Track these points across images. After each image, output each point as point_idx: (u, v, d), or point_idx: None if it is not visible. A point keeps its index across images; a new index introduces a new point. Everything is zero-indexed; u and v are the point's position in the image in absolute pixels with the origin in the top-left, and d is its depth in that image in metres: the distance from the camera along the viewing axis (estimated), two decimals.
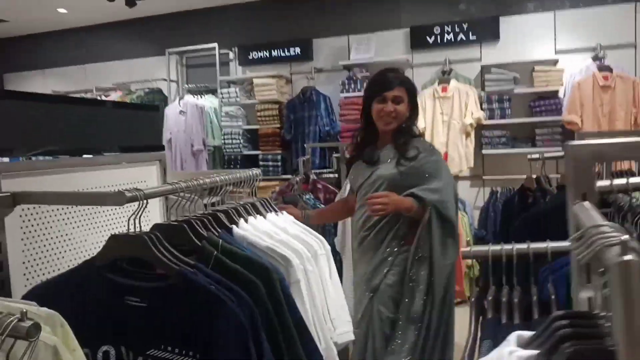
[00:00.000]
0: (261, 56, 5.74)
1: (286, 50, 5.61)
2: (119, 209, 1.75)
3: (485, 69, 4.89)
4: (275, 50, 5.65)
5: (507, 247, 1.10)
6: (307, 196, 3.25)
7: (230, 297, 1.13)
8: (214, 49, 5.81)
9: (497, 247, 1.11)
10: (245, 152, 5.66)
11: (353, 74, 5.13)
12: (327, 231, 3.11)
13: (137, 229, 1.18)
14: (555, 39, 4.80)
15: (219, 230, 1.45)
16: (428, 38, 5.13)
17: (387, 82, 2.10)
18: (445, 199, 2.00)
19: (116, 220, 1.79)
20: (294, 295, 1.38)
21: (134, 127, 2.66)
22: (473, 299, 1.12)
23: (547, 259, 1.11)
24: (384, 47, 5.27)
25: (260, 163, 5.49)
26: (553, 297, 1.04)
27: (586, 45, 4.65)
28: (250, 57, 5.81)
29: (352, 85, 5.12)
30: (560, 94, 4.66)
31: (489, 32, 4.97)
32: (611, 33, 4.59)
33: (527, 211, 2.33)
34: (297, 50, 5.58)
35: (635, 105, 4.32)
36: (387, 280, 2.04)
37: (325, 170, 4.03)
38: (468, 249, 1.13)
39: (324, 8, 5.58)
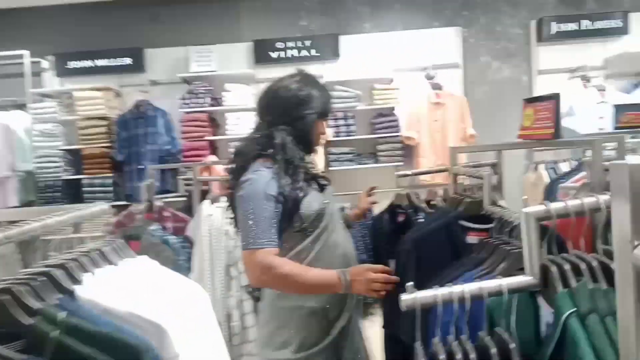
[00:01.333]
0: (84, 66, 5.00)
1: (114, 60, 4.97)
2: None
3: (328, 86, 4.88)
4: (101, 60, 4.97)
5: (457, 289, 0.91)
6: (153, 227, 2.80)
7: None
8: (22, 56, 4.90)
9: (445, 291, 0.91)
10: (66, 176, 4.84)
11: (194, 88, 4.73)
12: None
13: None
14: (390, 59, 5.01)
15: (57, 295, 1.03)
16: (271, 53, 4.98)
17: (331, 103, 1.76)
18: None
19: None
20: None
21: None
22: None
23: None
24: (226, 60, 4.98)
25: (85, 189, 4.75)
26: (512, 346, 0.88)
27: (419, 65, 4.93)
28: (70, 67, 5.03)
29: (194, 100, 4.72)
30: (396, 112, 4.86)
31: (329, 50, 5.00)
32: (440, 54, 4.95)
33: (400, 230, 2.25)
34: (128, 60, 4.98)
35: (463, 120, 4.69)
36: None
37: (170, 195, 3.57)
38: (411, 296, 0.92)
39: (158, 15, 5.09)
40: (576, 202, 0.95)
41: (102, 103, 4.73)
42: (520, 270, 1.41)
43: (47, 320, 0.92)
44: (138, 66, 5.02)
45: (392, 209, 2.39)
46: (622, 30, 4.81)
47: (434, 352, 0.93)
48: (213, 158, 4.27)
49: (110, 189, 4.76)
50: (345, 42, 5.02)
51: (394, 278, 1.49)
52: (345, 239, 1.71)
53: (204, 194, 3.08)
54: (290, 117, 1.62)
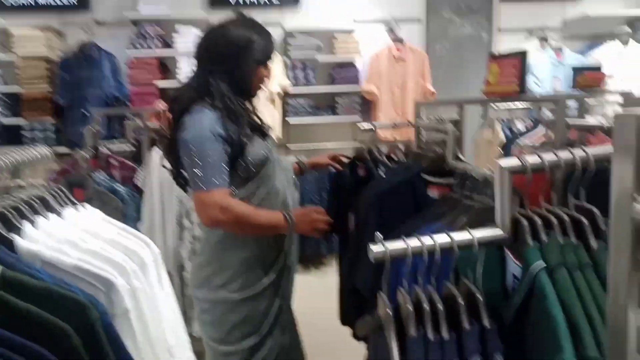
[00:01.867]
0: (23, 2, 4.58)
1: None
2: None
3: (288, 34, 4.72)
4: None
5: (428, 241, 0.88)
6: (100, 175, 2.65)
7: None
8: None
9: (416, 242, 0.88)
10: (4, 120, 4.51)
11: (144, 30, 4.44)
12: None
13: None
14: (351, 9, 4.86)
15: None
16: None
17: (274, 47, 1.70)
18: None
19: None
20: (122, 334, 0.95)
21: None
22: (388, 310, 0.86)
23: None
24: (179, 2, 4.69)
25: (25, 133, 4.45)
26: (479, 297, 0.86)
27: (380, 17, 4.81)
28: (7, 3, 4.60)
29: (143, 43, 4.44)
30: (358, 64, 4.76)
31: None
32: (402, 7, 4.84)
33: (361, 184, 2.21)
34: None
35: (423, 77, 4.65)
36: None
37: (117, 142, 3.38)
38: (381, 248, 0.87)
39: None
40: (552, 155, 0.92)
41: (43, 43, 4.36)
42: (483, 224, 1.42)
43: None
44: (82, 4, 4.65)
45: (353, 163, 2.34)
46: None
47: (400, 301, 0.90)
48: (162, 104, 4.06)
49: (52, 134, 4.48)
50: None
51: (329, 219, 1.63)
52: (289, 186, 1.72)
53: (153, 142, 2.93)
54: (228, 64, 1.57)
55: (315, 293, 2.88)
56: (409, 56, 4.63)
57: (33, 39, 4.38)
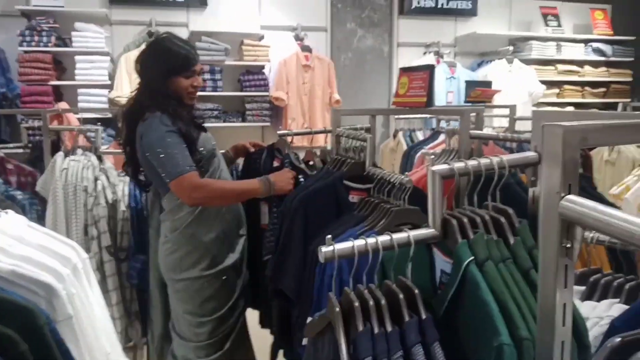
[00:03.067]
0: None
1: None
2: None
3: (194, 36, 4.64)
4: None
5: (371, 241, 0.95)
6: None
7: None
8: None
9: (361, 242, 0.94)
10: None
11: (36, 24, 4.12)
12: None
13: None
14: (260, 14, 4.90)
15: None
16: None
17: (192, 54, 1.88)
18: None
19: None
20: (65, 340, 0.92)
21: None
22: (337, 309, 0.92)
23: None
24: None
25: None
26: (416, 291, 0.95)
27: (287, 24, 4.91)
28: None
29: (36, 38, 4.12)
30: (266, 70, 4.80)
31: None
32: (309, 15, 4.97)
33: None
34: None
35: (330, 85, 4.81)
36: None
37: (11, 146, 3.12)
38: (330, 248, 0.93)
39: None
40: (474, 162, 1.04)
41: None
42: (399, 226, 1.54)
43: None
44: None
45: (271, 151, 2.36)
46: (472, 12, 5.31)
47: (346, 301, 0.96)
48: (64, 105, 3.81)
49: None
50: None
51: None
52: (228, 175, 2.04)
53: (55, 145, 2.75)
54: (155, 76, 1.83)
55: None
56: (317, 64, 4.76)
57: None
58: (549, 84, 5.41)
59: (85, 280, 1.18)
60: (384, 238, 0.98)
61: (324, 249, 0.94)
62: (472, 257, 0.94)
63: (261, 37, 4.82)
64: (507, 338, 0.79)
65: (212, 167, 1.89)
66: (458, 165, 1.02)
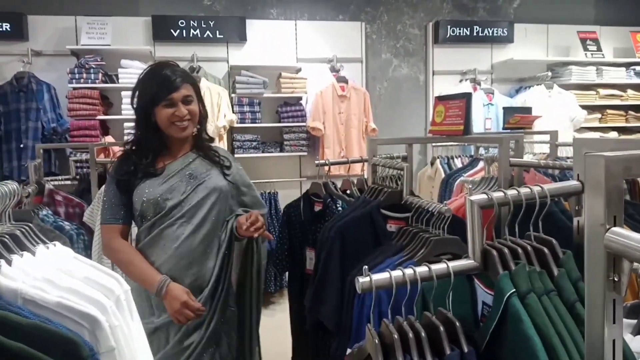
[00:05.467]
0: None
1: None
2: None
3: (234, 70, 4.78)
4: None
5: (409, 271, 0.94)
6: (44, 212, 2.55)
7: None
8: None
9: (399, 273, 0.94)
10: None
11: (85, 62, 4.35)
12: None
13: None
14: (296, 48, 5.02)
15: None
16: (172, 31, 4.74)
17: (169, 81, 1.71)
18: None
19: None
20: None
21: None
22: (376, 341, 0.92)
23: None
24: (121, 34, 4.65)
25: None
26: (457, 323, 0.93)
27: (323, 56, 5.00)
28: None
29: (84, 75, 4.34)
30: (303, 101, 4.89)
31: (235, 32, 4.87)
32: (345, 47, 5.06)
33: (319, 218, 2.27)
34: (6, 26, 4.44)
35: (365, 114, 4.85)
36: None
37: (59, 178, 3.26)
38: (367, 279, 0.92)
39: None
40: (513, 192, 1.02)
41: None
42: (439, 256, 1.51)
43: None
44: (18, 34, 4.49)
45: (308, 198, 2.40)
46: (508, 39, 5.28)
47: (385, 333, 0.95)
48: (110, 139, 3.97)
49: None
50: (251, 26, 4.93)
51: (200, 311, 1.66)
52: (199, 238, 1.73)
53: (100, 178, 2.86)
54: (136, 111, 1.77)
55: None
56: (352, 94, 4.82)
57: None
58: (591, 108, 5.28)
59: (127, 312, 1.20)
60: (422, 269, 0.97)
61: (361, 279, 0.93)
62: (513, 290, 0.92)
63: (298, 70, 4.92)
64: None
65: (153, 220, 1.70)
66: (497, 195, 1.01)
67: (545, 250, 0.99)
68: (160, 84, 1.71)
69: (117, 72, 4.48)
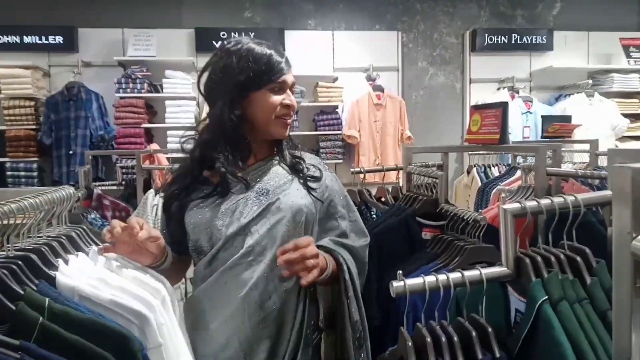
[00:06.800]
0: (8, 41, 4.64)
1: (44, 38, 4.65)
2: None
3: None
4: (29, 37, 4.64)
5: (442, 277, 0.97)
6: (93, 215, 2.68)
7: None
8: None
9: (432, 278, 0.97)
10: None
11: (131, 72, 4.54)
12: None
13: None
14: (333, 57, 5.09)
15: (35, 280, 0.99)
16: (214, 42, 4.89)
17: (278, 60, 1.25)
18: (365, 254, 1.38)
19: None
20: None
21: None
22: (409, 344, 0.95)
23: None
24: (166, 46, 4.83)
25: (8, 173, 4.42)
26: (490, 329, 0.95)
27: (360, 66, 5.05)
28: None
29: (130, 85, 4.53)
30: (338, 110, 4.94)
31: (275, 44, 4.97)
32: (381, 56, 5.10)
33: None
34: (59, 38, 4.69)
35: (401, 122, 4.86)
36: None
37: (107, 183, 3.42)
38: (401, 283, 0.96)
39: None
40: (547, 201, 1.04)
41: (29, 82, 4.42)
42: (474, 264, 1.53)
43: (32, 305, 0.88)
44: (70, 46, 4.74)
45: None
46: (547, 47, 5.20)
47: (419, 336, 0.99)
48: (155, 146, 4.13)
49: (35, 173, 4.47)
50: (289, 37, 5.03)
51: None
52: (266, 282, 1.19)
53: (145, 184, 2.99)
54: (213, 101, 1.26)
55: None
56: (388, 103, 4.84)
57: (20, 78, 4.42)
58: (634, 117, 5.13)
59: (172, 311, 1.26)
60: (455, 275, 1.00)
61: (395, 283, 0.97)
62: (545, 297, 0.94)
63: (335, 79, 4.99)
64: None
65: (209, 256, 1.22)
66: (530, 204, 1.03)
67: (578, 259, 1.01)
68: (267, 62, 1.23)
69: (161, 82, 4.65)
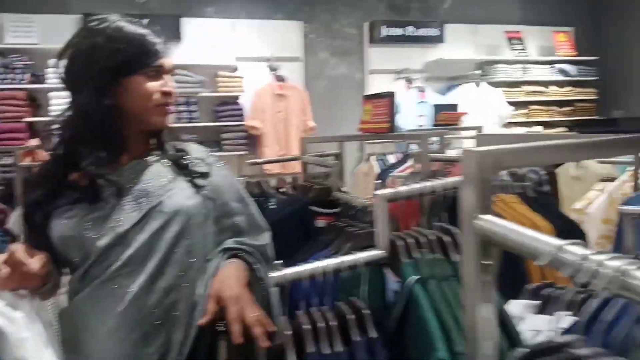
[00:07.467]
0: None
1: None
2: None
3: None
4: None
5: (320, 265, 0.99)
6: None
7: None
8: None
9: (310, 266, 0.98)
10: None
11: (10, 61, 4.16)
12: None
13: None
14: (234, 47, 4.99)
15: None
16: None
17: (153, 42, 1.09)
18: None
19: None
20: None
21: None
22: (287, 333, 0.96)
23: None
24: (49, 32, 4.44)
25: None
26: (365, 311, 0.98)
27: (261, 55, 5.01)
28: None
29: (10, 75, 4.15)
30: (240, 100, 4.88)
31: (170, 31, 4.77)
32: (283, 46, 5.08)
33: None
34: None
35: (304, 113, 4.90)
36: None
37: None
38: (281, 273, 0.96)
39: None
40: (416, 185, 1.10)
41: None
42: (365, 248, 1.58)
43: None
44: None
45: None
46: (439, 39, 5.47)
47: (297, 324, 1.00)
48: (36, 142, 3.81)
49: None
50: (187, 25, 4.86)
51: None
52: (158, 295, 1.06)
53: (27, 182, 2.76)
54: (77, 89, 1.09)
55: None
56: (291, 93, 4.85)
57: None
58: (517, 104, 5.56)
59: (39, 324, 1.14)
60: (332, 261, 1.02)
61: (274, 274, 0.97)
62: (417, 277, 0.99)
63: (235, 69, 4.90)
64: (444, 353, 0.83)
65: (83, 268, 1.06)
66: (402, 188, 1.08)
67: (447, 238, 1.07)
68: (141, 43, 1.08)
69: (44, 73, 4.31)
